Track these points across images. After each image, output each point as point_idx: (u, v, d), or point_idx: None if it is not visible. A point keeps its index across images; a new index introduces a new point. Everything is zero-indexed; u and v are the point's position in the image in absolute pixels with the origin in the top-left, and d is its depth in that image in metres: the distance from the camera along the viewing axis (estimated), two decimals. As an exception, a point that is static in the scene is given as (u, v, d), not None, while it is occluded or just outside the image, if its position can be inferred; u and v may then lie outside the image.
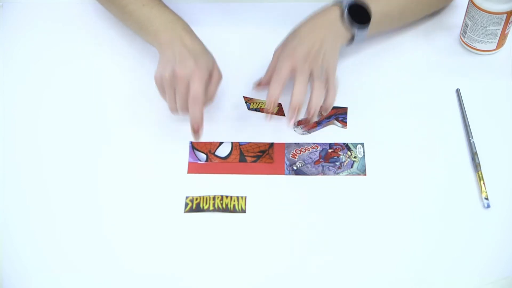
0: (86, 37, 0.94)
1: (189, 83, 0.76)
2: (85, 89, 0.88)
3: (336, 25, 0.81)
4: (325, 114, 0.81)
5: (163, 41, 0.81)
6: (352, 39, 0.83)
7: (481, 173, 0.76)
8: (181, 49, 0.78)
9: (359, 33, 0.82)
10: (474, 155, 0.78)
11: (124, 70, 0.90)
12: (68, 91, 0.87)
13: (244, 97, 0.86)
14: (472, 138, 0.79)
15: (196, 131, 0.77)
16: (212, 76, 0.79)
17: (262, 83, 0.83)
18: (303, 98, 0.77)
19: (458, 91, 0.85)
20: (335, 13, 0.81)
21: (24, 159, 0.80)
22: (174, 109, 0.79)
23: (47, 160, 0.80)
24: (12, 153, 0.81)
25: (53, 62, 0.91)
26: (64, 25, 0.96)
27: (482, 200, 0.74)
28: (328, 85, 0.79)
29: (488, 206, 0.73)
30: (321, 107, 0.79)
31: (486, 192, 0.75)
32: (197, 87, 0.76)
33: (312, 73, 0.78)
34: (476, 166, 0.77)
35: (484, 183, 0.75)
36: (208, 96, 0.79)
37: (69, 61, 0.91)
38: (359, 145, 0.81)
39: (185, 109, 0.77)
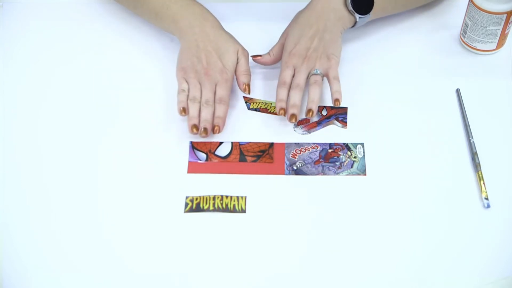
0: (86, 37, 0.94)
1: (216, 85, 0.81)
2: (85, 89, 0.88)
3: (339, 10, 0.83)
4: (338, 105, 0.81)
5: (182, 26, 0.82)
6: (354, 23, 0.85)
7: (481, 173, 0.76)
8: (203, 39, 0.81)
9: (362, 18, 0.84)
10: (474, 155, 0.78)
11: (124, 70, 0.90)
12: (68, 90, 0.87)
13: (244, 97, 0.86)
14: (472, 138, 0.79)
15: (214, 131, 0.80)
16: (238, 64, 0.83)
17: (260, 60, 0.86)
18: (300, 98, 0.80)
19: (458, 91, 0.85)
20: (335, 3, 0.83)
21: (24, 159, 0.80)
22: (196, 100, 0.80)
23: (48, 160, 0.80)
24: (13, 153, 0.81)
25: (53, 62, 0.91)
26: (64, 25, 0.96)
27: (482, 200, 0.74)
28: (329, 77, 0.81)
29: (488, 206, 0.73)
30: (335, 100, 0.80)
31: (486, 192, 0.75)
32: (223, 92, 0.81)
33: (310, 70, 0.81)
34: (476, 166, 0.77)
35: (484, 183, 0.75)
36: (244, 75, 0.83)
37: (69, 61, 0.91)
38: (359, 145, 0.81)
39: (211, 104, 0.80)
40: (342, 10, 0.83)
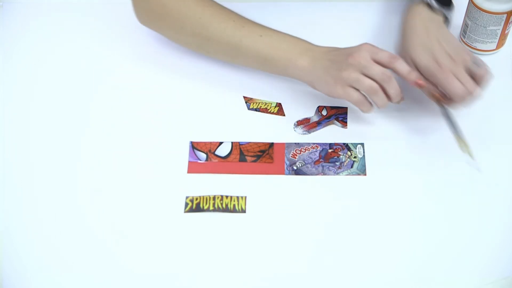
0: (86, 37, 0.94)
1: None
2: (85, 88, 0.88)
3: (430, 14, 0.82)
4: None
5: (304, 65, 0.79)
6: (446, 20, 0.84)
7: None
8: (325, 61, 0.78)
9: (449, 12, 0.84)
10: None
11: (124, 70, 0.90)
12: (68, 90, 0.87)
13: (244, 97, 0.86)
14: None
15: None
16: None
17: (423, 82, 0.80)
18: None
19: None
20: (425, 12, 0.82)
21: (24, 158, 0.80)
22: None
23: (47, 160, 0.80)
24: (12, 152, 0.81)
25: (53, 62, 0.91)
26: (64, 25, 0.96)
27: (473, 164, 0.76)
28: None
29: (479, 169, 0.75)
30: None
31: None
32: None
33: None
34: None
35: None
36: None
37: (69, 61, 0.91)
38: (359, 145, 0.81)
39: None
40: (432, 14, 0.82)
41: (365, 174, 0.78)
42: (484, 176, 0.77)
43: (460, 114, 0.83)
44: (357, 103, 0.77)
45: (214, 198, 0.76)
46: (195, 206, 0.75)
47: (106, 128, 0.83)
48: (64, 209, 0.75)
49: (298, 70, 0.80)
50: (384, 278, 0.69)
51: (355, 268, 0.70)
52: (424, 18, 0.82)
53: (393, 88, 0.77)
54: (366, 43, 0.78)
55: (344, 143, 0.81)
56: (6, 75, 0.90)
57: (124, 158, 0.80)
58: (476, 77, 0.77)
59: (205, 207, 0.75)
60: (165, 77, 0.88)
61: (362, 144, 0.81)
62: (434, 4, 0.82)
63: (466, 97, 0.76)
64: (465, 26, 0.89)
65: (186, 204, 0.75)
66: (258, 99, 0.86)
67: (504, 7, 0.84)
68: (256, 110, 0.85)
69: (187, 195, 0.76)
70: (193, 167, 0.79)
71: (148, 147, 0.81)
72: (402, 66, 0.77)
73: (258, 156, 0.80)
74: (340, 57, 0.77)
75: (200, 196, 0.76)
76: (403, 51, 0.81)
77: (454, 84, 0.76)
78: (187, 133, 0.81)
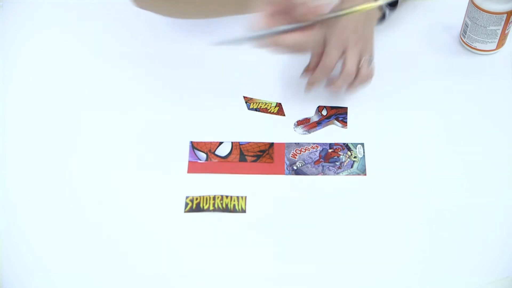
0: (86, 37, 0.94)
1: None
2: (85, 88, 0.88)
3: (370, 13, 0.81)
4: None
5: None
6: (382, 17, 0.85)
7: None
8: None
9: (391, 13, 0.84)
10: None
11: (124, 69, 0.90)
12: (68, 90, 0.87)
13: (244, 97, 0.86)
14: None
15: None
16: None
17: (310, 68, 0.82)
18: (355, 72, 0.79)
19: None
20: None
21: (24, 158, 0.80)
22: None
23: (48, 160, 0.80)
24: (13, 152, 0.81)
25: (53, 61, 0.91)
26: (64, 25, 0.96)
27: None
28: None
29: None
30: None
31: None
32: None
33: (361, 55, 0.79)
34: None
35: None
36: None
37: (69, 61, 0.91)
38: (359, 145, 0.81)
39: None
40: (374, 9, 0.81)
41: (365, 174, 0.78)
42: (484, 176, 0.77)
43: (459, 113, 0.83)
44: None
45: (214, 198, 0.76)
46: (195, 206, 0.75)
47: (106, 128, 0.83)
48: (64, 209, 0.75)
49: None
50: (384, 278, 0.69)
51: (355, 268, 0.70)
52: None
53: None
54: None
55: (344, 143, 0.81)
56: (6, 75, 0.90)
57: (124, 158, 0.80)
58: (359, 73, 0.79)
59: (205, 207, 0.75)
60: (164, 77, 0.88)
61: (362, 144, 0.81)
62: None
63: (331, 85, 0.80)
64: (465, 26, 0.89)
65: (186, 204, 0.75)
66: (258, 99, 0.86)
67: (504, 7, 0.84)
68: (256, 110, 0.85)
69: (187, 195, 0.76)
70: (193, 167, 0.79)
71: (148, 147, 0.81)
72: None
73: (258, 156, 0.80)
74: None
75: (200, 196, 0.76)
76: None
77: (333, 55, 0.77)
78: (187, 133, 0.81)
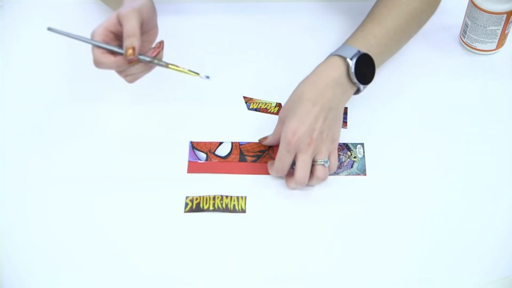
0: (86, 36, 0.94)
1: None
2: (85, 89, 0.88)
3: (343, 84, 0.75)
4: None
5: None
6: (357, 91, 0.78)
7: None
8: None
9: (365, 87, 0.78)
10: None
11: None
12: (68, 91, 0.87)
13: (244, 97, 0.86)
14: None
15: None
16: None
17: (267, 143, 0.80)
18: (306, 179, 0.74)
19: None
20: (340, 69, 0.75)
21: (24, 158, 0.80)
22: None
23: (48, 161, 0.80)
24: (13, 152, 0.81)
25: (53, 62, 0.91)
26: (64, 25, 0.96)
27: None
28: (331, 157, 0.76)
29: None
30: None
31: None
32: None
33: (315, 156, 0.74)
34: None
35: None
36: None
37: (69, 61, 0.91)
38: (359, 145, 0.81)
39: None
40: (346, 83, 0.75)
41: (365, 174, 0.78)
42: (484, 176, 0.77)
43: (459, 114, 0.83)
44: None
45: (214, 198, 0.76)
46: (195, 206, 0.75)
47: (106, 128, 0.83)
48: (64, 209, 0.75)
49: None
50: (384, 278, 0.69)
51: (355, 267, 0.70)
52: (332, 82, 0.74)
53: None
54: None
55: (344, 143, 0.81)
56: (5, 75, 0.90)
57: (124, 158, 0.80)
58: (313, 175, 0.74)
59: (205, 207, 0.75)
60: (164, 77, 0.88)
61: (362, 144, 0.81)
62: (354, 78, 0.75)
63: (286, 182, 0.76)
64: (465, 26, 0.89)
65: (186, 204, 0.75)
66: (258, 99, 0.86)
67: (504, 7, 0.84)
68: (256, 110, 0.85)
69: (187, 195, 0.76)
70: (193, 167, 0.79)
71: (148, 147, 0.81)
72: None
73: (258, 156, 0.80)
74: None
75: (200, 196, 0.76)
76: (291, 96, 0.76)
77: (285, 158, 0.74)
78: (187, 133, 0.81)
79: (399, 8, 0.82)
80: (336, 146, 0.76)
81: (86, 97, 0.87)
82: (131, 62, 0.71)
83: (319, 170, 0.74)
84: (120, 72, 0.73)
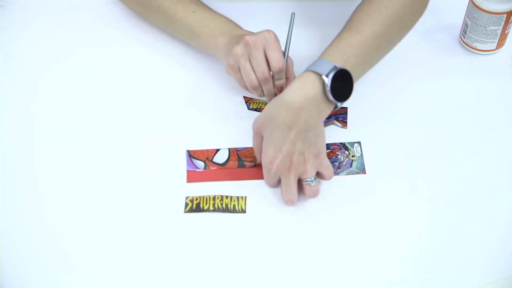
0: (86, 37, 0.94)
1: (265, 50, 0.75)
2: (85, 91, 0.87)
3: (319, 103, 0.71)
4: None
5: (221, 44, 0.80)
6: (335, 107, 0.74)
7: None
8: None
9: (342, 103, 0.74)
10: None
11: (124, 73, 0.89)
12: (68, 91, 0.87)
13: (244, 97, 0.86)
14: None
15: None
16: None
17: (259, 161, 0.78)
18: (294, 200, 0.74)
19: (292, 15, 0.80)
20: (315, 88, 0.70)
21: (25, 158, 0.80)
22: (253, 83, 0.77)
23: (48, 162, 0.80)
24: (13, 152, 0.81)
25: (53, 62, 0.91)
26: (64, 25, 0.96)
27: None
28: (322, 168, 0.74)
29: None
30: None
31: None
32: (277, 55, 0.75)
33: (299, 176, 0.73)
34: None
35: None
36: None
37: (69, 61, 0.91)
38: (356, 144, 0.81)
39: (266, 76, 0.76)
40: (322, 102, 0.71)
41: (365, 173, 0.78)
42: (484, 176, 0.77)
43: (459, 113, 0.83)
44: (237, 81, 0.79)
45: (214, 198, 0.76)
46: (195, 206, 0.75)
47: (106, 128, 0.83)
48: (64, 210, 0.75)
49: (216, 48, 0.82)
50: (385, 277, 0.69)
51: (355, 267, 0.70)
52: (307, 103, 0.70)
53: (267, 90, 0.77)
54: (269, 31, 0.75)
55: (341, 143, 0.81)
56: (6, 75, 0.90)
57: (124, 159, 0.80)
58: (304, 192, 0.74)
59: (205, 207, 0.75)
60: (161, 85, 0.88)
61: (359, 143, 0.81)
62: (331, 96, 0.71)
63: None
64: (465, 26, 0.89)
65: (186, 204, 0.75)
66: (258, 99, 0.86)
67: (504, 7, 0.84)
68: (256, 110, 0.85)
69: (187, 195, 0.76)
70: (192, 176, 0.78)
71: (147, 150, 0.80)
72: (280, 82, 0.78)
73: (257, 160, 0.79)
74: (244, 37, 0.76)
75: (200, 196, 0.76)
76: (267, 108, 0.73)
77: (269, 182, 0.75)
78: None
79: (378, 12, 0.77)
80: (324, 157, 0.74)
81: (86, 99, 0.86)
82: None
83: (306, 190, 0.74)
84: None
